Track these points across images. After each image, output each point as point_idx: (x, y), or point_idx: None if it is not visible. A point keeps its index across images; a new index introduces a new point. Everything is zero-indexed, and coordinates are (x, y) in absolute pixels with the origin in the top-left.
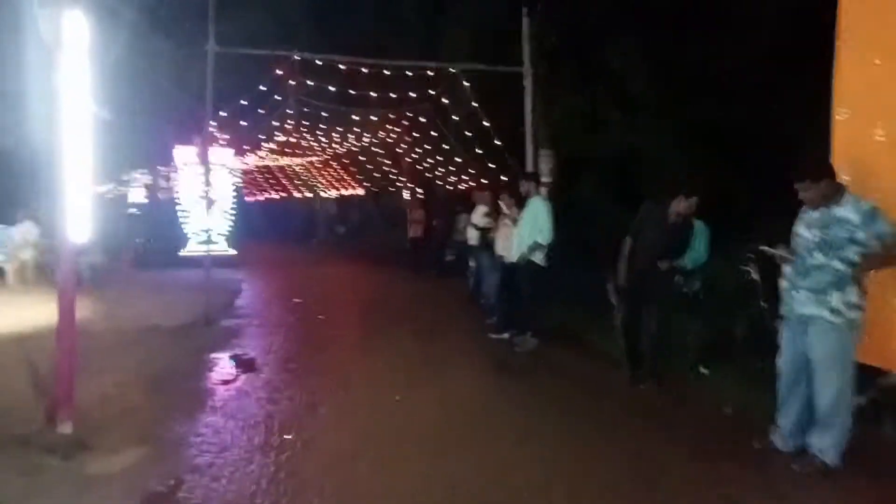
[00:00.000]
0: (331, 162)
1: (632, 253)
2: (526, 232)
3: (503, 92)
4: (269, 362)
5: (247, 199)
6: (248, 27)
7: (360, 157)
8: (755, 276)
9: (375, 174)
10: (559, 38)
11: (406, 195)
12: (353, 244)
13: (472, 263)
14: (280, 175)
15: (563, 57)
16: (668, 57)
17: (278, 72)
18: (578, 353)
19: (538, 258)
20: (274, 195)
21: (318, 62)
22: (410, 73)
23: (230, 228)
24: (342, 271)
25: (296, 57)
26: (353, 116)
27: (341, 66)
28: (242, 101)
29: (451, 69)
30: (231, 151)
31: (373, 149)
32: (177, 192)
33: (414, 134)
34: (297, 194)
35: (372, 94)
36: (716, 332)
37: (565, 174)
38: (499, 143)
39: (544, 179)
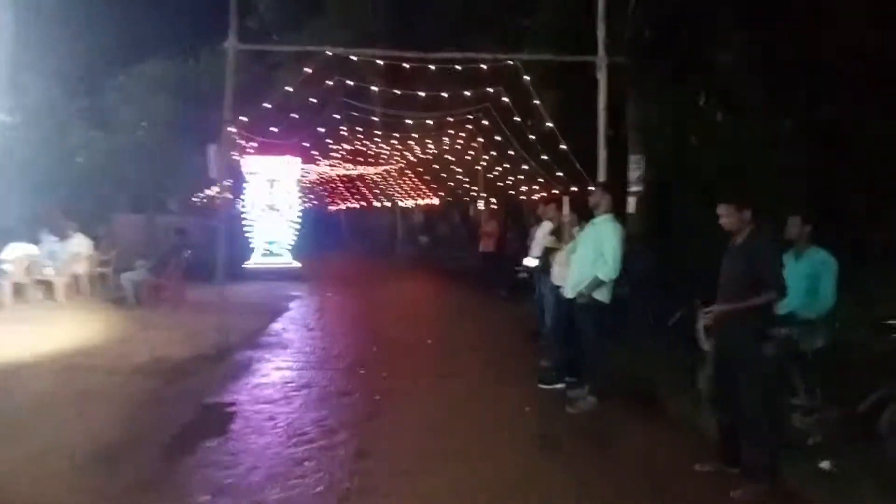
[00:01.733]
0: (405, 170)
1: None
2: (586, 260)
3: (584, 91)
4: (261, 425)
5: (329, 209)
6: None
7: (435, 166)
8: None
9: (450, 183)
10: (655, 30)
11: (481, 205)
12: (435, 256)
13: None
14: (360, 184)
15: (660, 51)
16: (781, 51)
17: (328, 81)
18: (651, 423)
19: (601, 295)
20: (355, 205)
21: (378, 62)
22: (484, 67)
23: (295, 239)
24: (406, 289)
25: (328, 53)
26: (427, 121)
27: (405, 65)
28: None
29: (510, 61)
30: (297, 160)
31: (445, 156)
32: (242, 203)
33: (479, 139)
34: (377, 204)
35: (428, 94)
36: (845, 412)
37: (658, 184)
38: (568, 147)
39: (634, 189)
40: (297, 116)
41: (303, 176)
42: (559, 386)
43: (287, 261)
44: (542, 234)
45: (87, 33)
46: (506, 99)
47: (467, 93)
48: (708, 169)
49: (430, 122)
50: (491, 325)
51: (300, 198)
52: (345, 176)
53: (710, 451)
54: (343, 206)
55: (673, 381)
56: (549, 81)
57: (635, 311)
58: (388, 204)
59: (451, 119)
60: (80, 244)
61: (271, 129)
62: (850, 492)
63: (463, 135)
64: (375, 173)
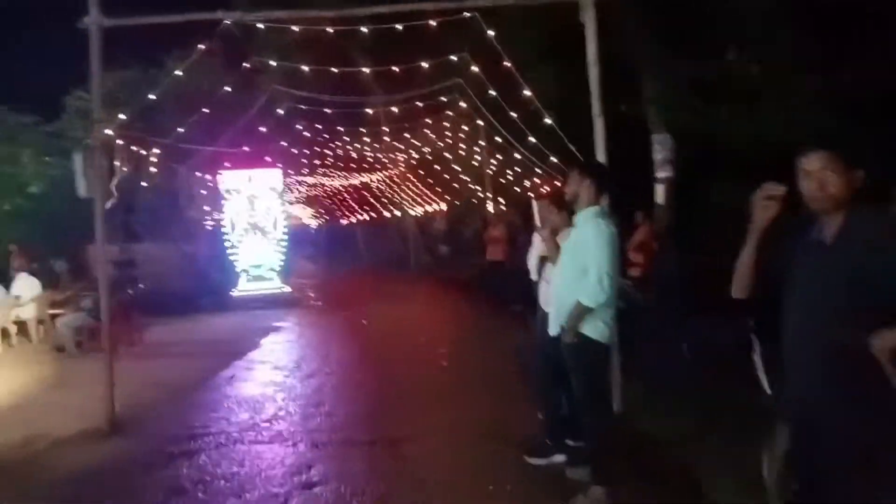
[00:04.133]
0: (406, 174)
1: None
2: (567, 278)
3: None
4: None
5: (342, 222)
6: None
7: (435, 166)
8: None
9: (454, 184)
10: None
11: (491, 208)
12: (455, 266)
13: None
14: (366, 194)
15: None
16: None
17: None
18: None
19: (594, 330)
20: (367, 217)
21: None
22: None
23: (284, 261)
24: (406, 311)
25: (226, 21)
26: (393, 107)
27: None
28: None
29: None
30: (277, 172)
31: (443, 154)
32: (222, 224)
33: (463, 126)
34: (388, 214)
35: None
36: None
37: (687, 168)
38: (566, 131)
39: (662, 174)
40: (265, 126)
41: (297, 189)
42: (557, 459)
43: (276, 285)
44: (537, 240)
45: None
46: (475, 69)
47: (425, 64)
48: (744, 142)
49: (395, 108)
50: (493, 358)
51: (295, 214)
52: (349, 186)
53: None
54: (355, 219)
55: (721, 455)
56: (542, 51)
57: (663, 336)
58: (399, 213)
59: (422, 104)
60: (21, 286)
61: (245, 141)
62: None
63: (447, 124)
64: (377, 180)
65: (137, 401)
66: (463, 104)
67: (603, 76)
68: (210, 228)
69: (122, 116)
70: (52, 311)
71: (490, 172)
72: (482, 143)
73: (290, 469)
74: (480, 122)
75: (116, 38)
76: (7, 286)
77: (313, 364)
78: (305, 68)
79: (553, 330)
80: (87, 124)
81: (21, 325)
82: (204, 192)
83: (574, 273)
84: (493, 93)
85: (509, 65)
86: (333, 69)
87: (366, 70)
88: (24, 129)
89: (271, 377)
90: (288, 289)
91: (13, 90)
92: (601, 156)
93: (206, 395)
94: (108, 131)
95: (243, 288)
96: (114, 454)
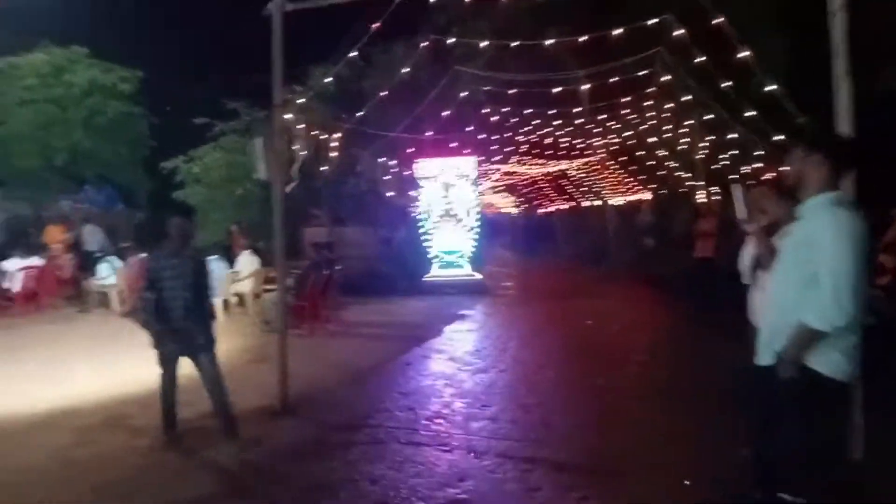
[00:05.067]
0: (608, 161)
1: None
2: (787, 289)
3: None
4: None
5: (540, 212)
6: None
7: (640, 152)
8: None
9: (660, 172)
10: None
11: (703, 197)
12: (661, 262)
13: None
14: (565, 182)
15: None
16: None
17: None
18: None
19: (825, 364)
20: (565, 206)
21: None
22: None
23: (476, 248)
24: (604, 310)
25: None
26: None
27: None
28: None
29: None
30: (472, 160)
31: (648, 138)
32: (418, 210)
33: (669, 103)
34: (588, 203)
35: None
36: None
37: None
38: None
39: None
40: (461, 113)
41: (493, 177)
42: None
43: (468, 272)
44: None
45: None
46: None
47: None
48: None
49: (592, 86)
50: (696, 370)
51: (492, 202)
52: (546, 174)
53: None
54: (553, 209)
55: None
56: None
57: None
58: (599, 202)
59: (620, 79)
60: (242, 263)
61: (446, 127)
62: None
63: (650, 102)
64: (575, 167)
65: (313, 381)
66: (667, 77)
67: (851, 27)
68: (407, 214)
69: (299, 101)
70: (265, 287)
71: (699, 156)
72: (691, 123)
73: (439, 479)
74: (689, 97)
75: (328, 33)
76: (232, 263)
77: (489, 358)
78: (484, 43)
79: (765, 358)
80: (304, 116)
81: (241, 298)
82: (401, 178)
83: (798, 282)
84: (702, 61)
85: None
86: (525, 42)
87: (554, 41)
88: (255, 121)
89: (444, 368)
90: (479, 276)
91: (246, 86)
92: (845, 128)
93: (378, 382)
94: (288, 116)
95: (436, 273)
96: (275, 436)
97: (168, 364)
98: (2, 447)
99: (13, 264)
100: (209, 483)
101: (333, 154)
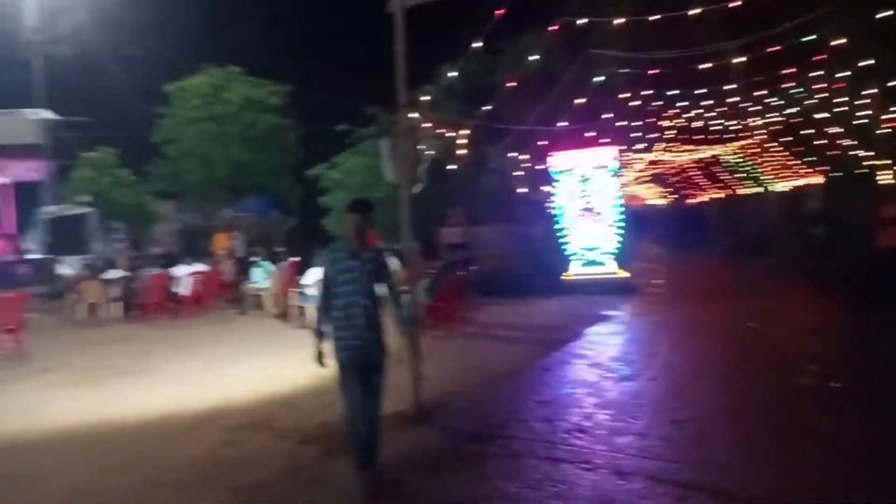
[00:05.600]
0: (765, 143)
1: None
2: None
3: None
4: None
5: (691, 202)
6: None
7: (805, 131)
8: None
9: (831, 151)
10: None
11: (888, 178)
12: (835, 254)
13: None
14: (716, 169)
15: None
16: None
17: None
18: None
19: None
20: (719, 195)
21: None
22: None
23: (620, 245)
24: (770, 310)
25: None
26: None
27: None
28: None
29: None
30: (612, 150)
31: (815, 115)
32: (554, 206)
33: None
34: (745, 191)
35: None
36: None
37: None
38: None
39: None
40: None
41: (636, 167)
42: None
43: (611, 270)
44: None
45: None
46: None
47: None
48: None
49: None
50: (885, 385)
51: (637, 194)
52: (696, 160)
53: None
54: (706, 198)
55: None
56: None
57: None
58: (759, 189)
59: (781, 48)
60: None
61: (582, 117)
62: None
63: (819, 72)
64: (731, 152)
65: (448, 386)
66: (841, 40)
67: None
68: (543, 210)
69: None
70: (403, 288)
71: (882, 131)
72: (872, 93)
73: (581, 502)
74: (870, 62)
75: (459, 30)
76: None
77: (636, 365)
78: (619, 21)
79: None
80: (432, 115)
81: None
82: (535, 173)
83: None
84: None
85: None
86: (667, 14)
87: (700, 10)
88: (389, 123)
89: (585, 375)
90: (625, 274)
91: (383, 89)
92: None
93: (514, 388)
94: (414, 115)
95: (575, 272)
96: (406, 444)
97: (350, 387)
98: (162, 443)
99: (182, 270)
100: (339, 494)
101: (463, 152)
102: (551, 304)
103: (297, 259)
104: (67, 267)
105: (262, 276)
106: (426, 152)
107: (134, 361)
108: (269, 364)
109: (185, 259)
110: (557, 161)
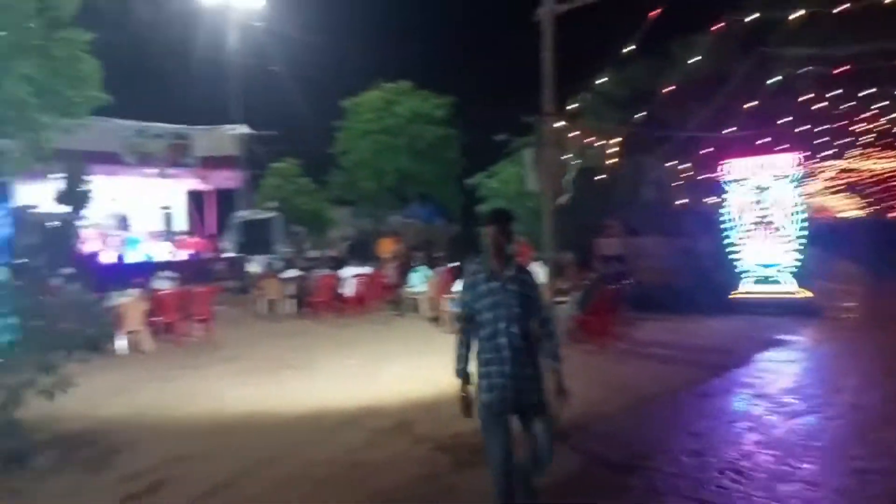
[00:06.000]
0: None
1: None
2: None
3: None
4: None
5: (891, 215)
6: None
7: None
8: None
9: None
10: None
11: None
12: None
13: None
14: None
15: None
16: None
17: None
18: None
19: None
20: None
21: None
22: None
23: (801, 262)
24: None
25: None
26: None
27: None
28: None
29: None
30: (793, 157)
31: None
32: (724, 218)
33: None
34: None
35: None
36: None
37: None
38: None
39: None
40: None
41: (825, 176)
42: None
43: (790, 289)
44: None
45: None
46: None
47: None
48: None
49: None
50: None
51: (825, 205)
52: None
53: None
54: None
55: None
56: None
57: None
58: None
59: None
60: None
61: (757, 122)
62: None
63: None
64: None
65: (592, 405)
66: None
67: None
68: (710, 222)
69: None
70: (556, 300)
71: None
72: None
73: None
74: None
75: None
76: None
77: (813, 400)
78: (797, 14)
79: None
80: (587, 124)
81: None
82: (699, 182)
83: None
84: None
85: None
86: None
87: None
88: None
89: (749, 407)
90: (807, 294)
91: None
92: None
93: (664, 415)
94: (560, 123)
95: (747, 290)
96: None
97: (495, 434)
98: (309, 437)
99: (348, 272)
100: None
101: (616, 160)
102: (716, 323)
103: (455, 265)
104: (255, 265)
105: (419, 280)
106: (573, 161)
107: (300, 355)
108: (418, 365)
109: (352, 262)
110: (730, 169)
